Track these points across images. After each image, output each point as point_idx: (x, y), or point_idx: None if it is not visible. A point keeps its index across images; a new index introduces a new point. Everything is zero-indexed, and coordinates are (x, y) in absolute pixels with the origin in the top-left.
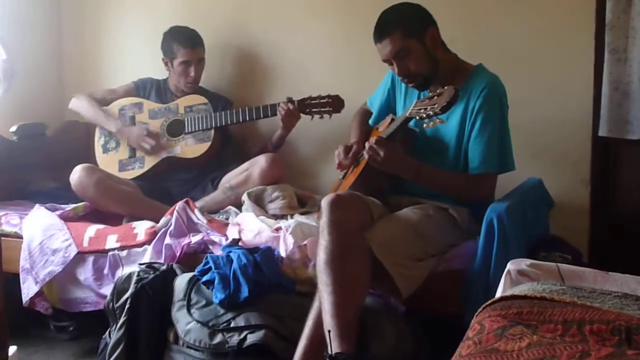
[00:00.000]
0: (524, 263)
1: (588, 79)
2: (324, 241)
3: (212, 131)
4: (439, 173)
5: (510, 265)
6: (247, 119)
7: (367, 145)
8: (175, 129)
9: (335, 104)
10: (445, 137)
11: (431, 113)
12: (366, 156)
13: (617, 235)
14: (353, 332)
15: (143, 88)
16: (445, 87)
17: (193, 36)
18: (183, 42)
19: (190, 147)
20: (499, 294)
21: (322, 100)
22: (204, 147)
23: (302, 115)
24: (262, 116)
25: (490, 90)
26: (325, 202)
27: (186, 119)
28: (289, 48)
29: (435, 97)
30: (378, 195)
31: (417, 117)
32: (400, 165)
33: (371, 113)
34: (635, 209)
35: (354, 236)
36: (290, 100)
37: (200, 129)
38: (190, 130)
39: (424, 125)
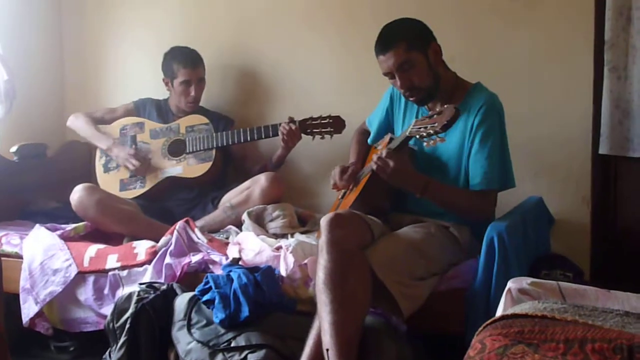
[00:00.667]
0: (524, 281)
1: (588, 97)
2: (323, 260)
3: (214, 151)
4: (446, 189)
5: (511, 284)
6: (249, 139)
7: (374, 157)
8: (177, 148)
9: (336, 124)
10: (445, 155)
11: (431, 132)
12: (374, 167)
13: (618, 253)
14: (353, 352)
15: (143, 108)
16: (446, 106)
17: (193, 56)
18: (183, 62)
19: (191, 167)
20: (499, 312)
21: (323, 121)
22: (205, 166)
23: (303, 135)
24: (263, 136)
25: (489, 107)
26: (324, 221)
27: (187, 139)
28: (290, 66)
29: (435, 116)
30: (379, 214)
31: (418, 136)
32: (409, 178)
33: (369, 133)
34: (636, 226)
35: (354, 255)
36: (291, 120)
37: (202, 149)
38: (191, 150)
39: (424, 144)
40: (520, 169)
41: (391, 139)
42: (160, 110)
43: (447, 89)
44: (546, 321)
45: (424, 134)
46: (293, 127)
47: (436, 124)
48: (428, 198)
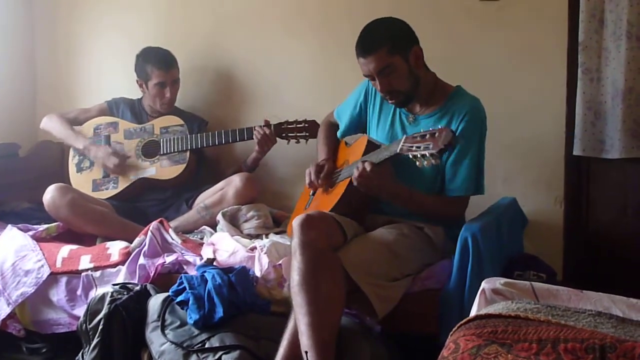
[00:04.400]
0: (498, 282)
1: (561, 98)
2: (296, 262)
3: (188, 153)
4: (428, 199)
5: (484, 284)
6: (223, 141)
7: (355, 172)
8: (151, 149)
9: (311, 129)
10: None
11: (426, 154)
12: (355, 182)
13: (590, 254)
14: (331, 352)
15: (116, 108)
16: (442, 128)
17: (167, 58)
18: (157, 64)
19: (165, 169)
20: (473, 312)
21: (298, 125)
22: (179, 168)
23: (278, 139)
24: (238, 139)
25: (473, 116)
26: (296, 223)
27: (162, 140)
28: (265, 69)
29: (429, 136)
30: (358, 217)
31: (410, 156)
32: (392, 192)
33: (337, 125)
34: (609, 227)
35: (326, 256)
36: (267, 124)
37: (176, 150)
38: (165, 152)
39: (417, 163)
40: (493, 170)
41: (369, 143)
42: (134, 110)
43: (427, 91)
44: (519, 321)
45: (417, 155)
46: (267, 131)
47: (431, 146)
48: (411, 209)
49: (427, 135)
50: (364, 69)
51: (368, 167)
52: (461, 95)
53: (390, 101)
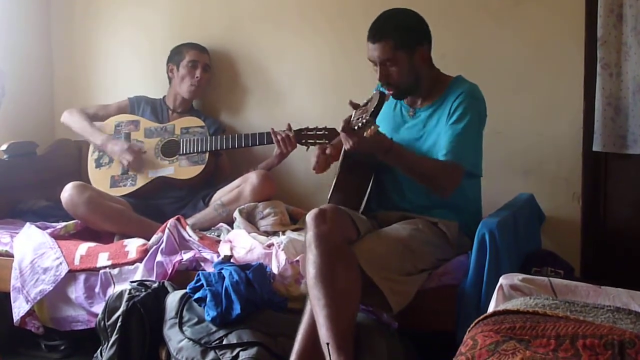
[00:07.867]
0: (516, 278)
1: (578, 94)
2: (312, 256)
3: (207, 154)
4: (409, 154)
5: (502, 280)
6: (243, 145)
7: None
8: (170, 149)
9: (331, 137)
10: (424, 148)
11: (364, 121)
12: (346, 147)
13: (608, 250)
14: (350, 344)
15: (138, 105)
16: (374, 92)
17: (201, 45)
18: (192, 45)
19: (184, 169)
20: (491, 309)
21: (318, 132)
22: (197, 169)
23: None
24: (257, 143)
25: (468, 95)
26: (309, 217)
27: (182, 140)
28: (278, 71)
29: (368, 104)
30: (355, 201)
31: (356, 127)
32: (373, 143)
33: None
34: (627, 223)
35: (341, 248)
36: (289, 128)
37: (195, 151)
38: (185, 152)
39: (365, 134)
40: (511, 166)
41: None
42: (155, 109)
43: (428, 86)
44: (537, 317)
45: (360, 125)
46: (290, 134)
47: (368, 112)
48: (392, 161)
49: (368, 103)
50: (369, 53)
51: (342, 131)
52: (459, 82)
53: (387, 91)
